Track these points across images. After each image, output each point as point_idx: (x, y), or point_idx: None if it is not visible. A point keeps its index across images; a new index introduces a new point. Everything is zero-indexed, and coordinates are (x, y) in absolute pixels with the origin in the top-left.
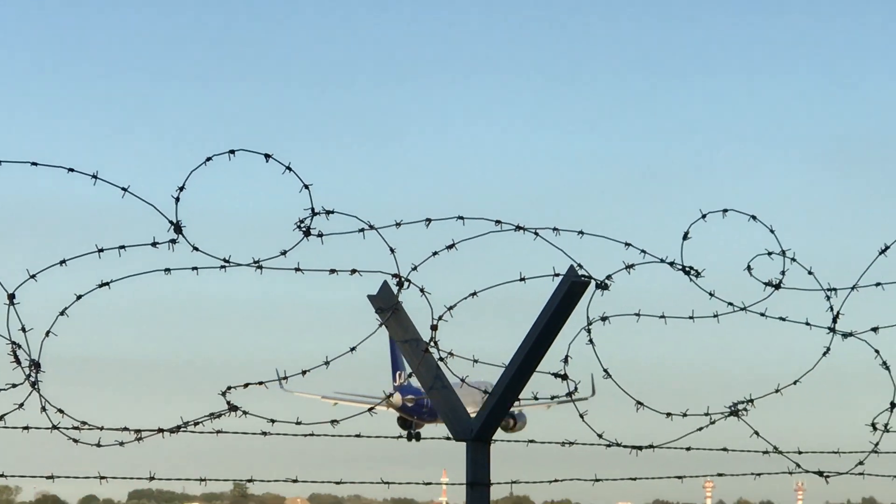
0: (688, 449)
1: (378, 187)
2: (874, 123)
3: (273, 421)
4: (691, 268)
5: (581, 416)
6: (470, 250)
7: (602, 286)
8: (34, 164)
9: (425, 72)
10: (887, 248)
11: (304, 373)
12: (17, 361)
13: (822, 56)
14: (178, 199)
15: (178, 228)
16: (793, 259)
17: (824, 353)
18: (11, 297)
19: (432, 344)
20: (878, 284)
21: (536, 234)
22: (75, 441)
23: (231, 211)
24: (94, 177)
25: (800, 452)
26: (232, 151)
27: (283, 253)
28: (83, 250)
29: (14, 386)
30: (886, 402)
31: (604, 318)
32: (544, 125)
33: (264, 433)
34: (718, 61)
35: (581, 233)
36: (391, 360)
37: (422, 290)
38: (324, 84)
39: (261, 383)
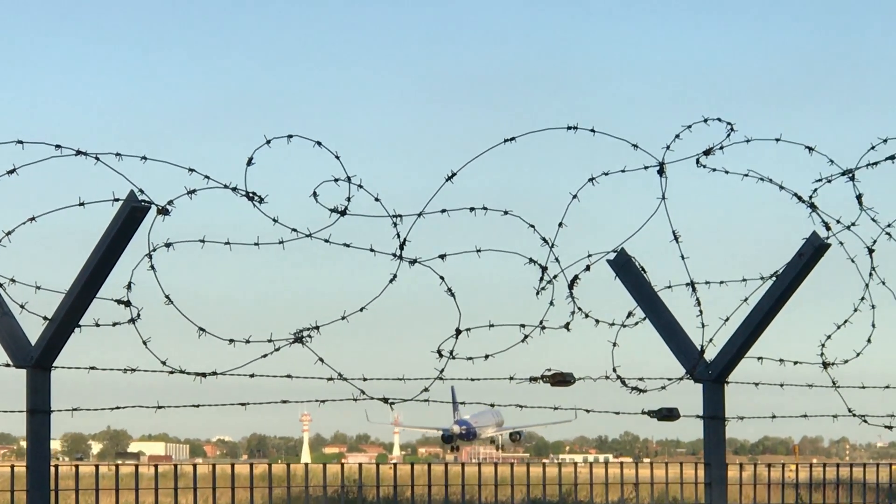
0: (251, 376)
1: None
2: (447, 55)
3: None
4: (255, 193)
5: (144, 342)
6: (31, 176)
7: (163, 211)
8: None
9: None
10: (454, 174)
11: None
12: None
13: None
14: None
15: None
16: (359, 186)
17: (391, 280)
18: None
19: None
20: (443, 211)
21: (98, 158)
22: None
23: None
24: None
25: (365, 379)
26: None
27: None
28: None
29: None
30: (452, 328)
31: (168, 245)
32: (104, 54)
33: None
34: None
35: (144, 158)
36: (451, 403)
37: None
38: None
39: None
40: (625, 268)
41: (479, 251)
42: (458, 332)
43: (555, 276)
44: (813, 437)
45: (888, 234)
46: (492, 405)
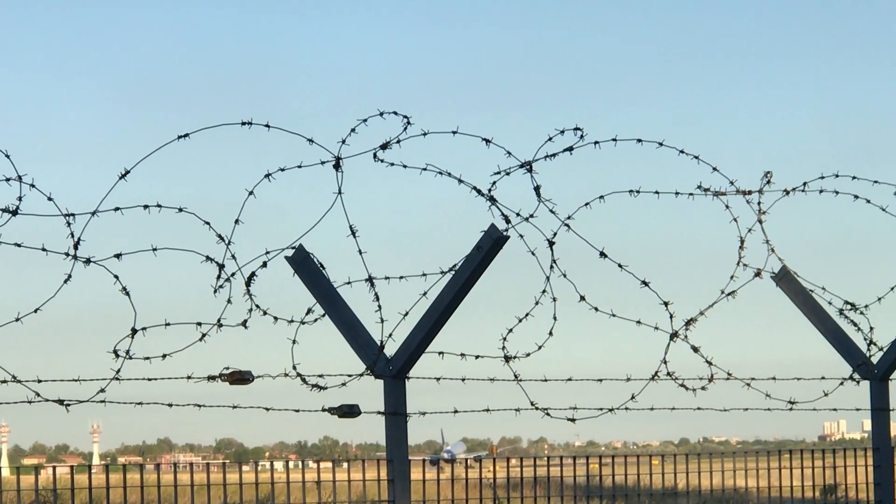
0: None
1: None
2: (130, 61)
3: None
4: None
5: None
6: None
7: None
8: None
9: None
10: (127, 172)
11: None
12: None
13: None
14: None
15: None
16: (31, 185)
17: (65, 280)
18: None
19: None
20: (117, 209)
21: None
22: None
23: None
24: None
25: (39, 381)
26: None
27: None
28: None
29: None
30: (128, 328)
31: None
32: None
33: None
34: None
35: None
36: (441, 439)
37: None
38: None
39: None
40: (303, 264)
41: (155, 250)
42: (134, 331)
43: (232, 274)
44: (511, 438)
45: (567, 226)
46: (169, 405)
